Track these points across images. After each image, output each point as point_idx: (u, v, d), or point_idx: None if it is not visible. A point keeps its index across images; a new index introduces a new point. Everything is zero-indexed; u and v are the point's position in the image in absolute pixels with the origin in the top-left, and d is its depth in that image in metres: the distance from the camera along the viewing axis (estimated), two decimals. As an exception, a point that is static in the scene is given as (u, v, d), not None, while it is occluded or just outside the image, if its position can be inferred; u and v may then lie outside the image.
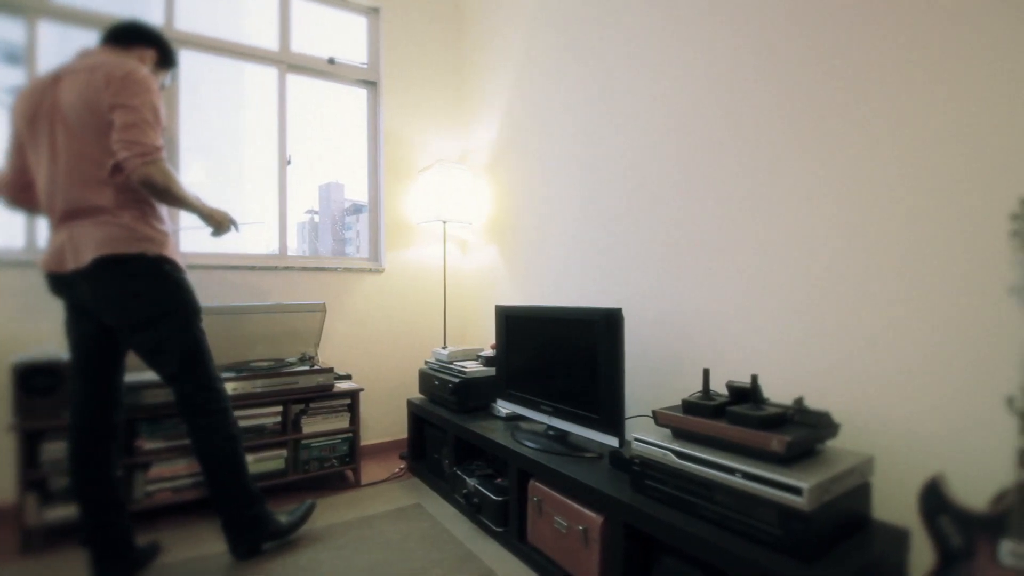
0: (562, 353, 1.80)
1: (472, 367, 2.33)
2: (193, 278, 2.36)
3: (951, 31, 1.15)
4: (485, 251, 2.96)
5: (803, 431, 1.18)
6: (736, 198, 1.61)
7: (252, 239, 2.70)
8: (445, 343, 2.90)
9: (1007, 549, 0.85)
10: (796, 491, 1.04)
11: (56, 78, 1.52)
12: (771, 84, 1.51)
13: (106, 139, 1.48)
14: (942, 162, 1.17)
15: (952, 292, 1.16)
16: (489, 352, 2.42)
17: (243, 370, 2.17)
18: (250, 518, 1.68)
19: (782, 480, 1.07)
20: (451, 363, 2.42)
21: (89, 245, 1.48)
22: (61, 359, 1.85)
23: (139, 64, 1.57)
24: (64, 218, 1.51)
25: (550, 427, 1.89)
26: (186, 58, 2.49)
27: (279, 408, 2.19)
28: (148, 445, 1.94)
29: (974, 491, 1.12)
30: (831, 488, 1.08)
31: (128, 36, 1.62)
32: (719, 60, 1.65)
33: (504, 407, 2.14)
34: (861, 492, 1.19)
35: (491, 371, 2.32)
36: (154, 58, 1.68)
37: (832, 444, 1.34)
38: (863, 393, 1.31)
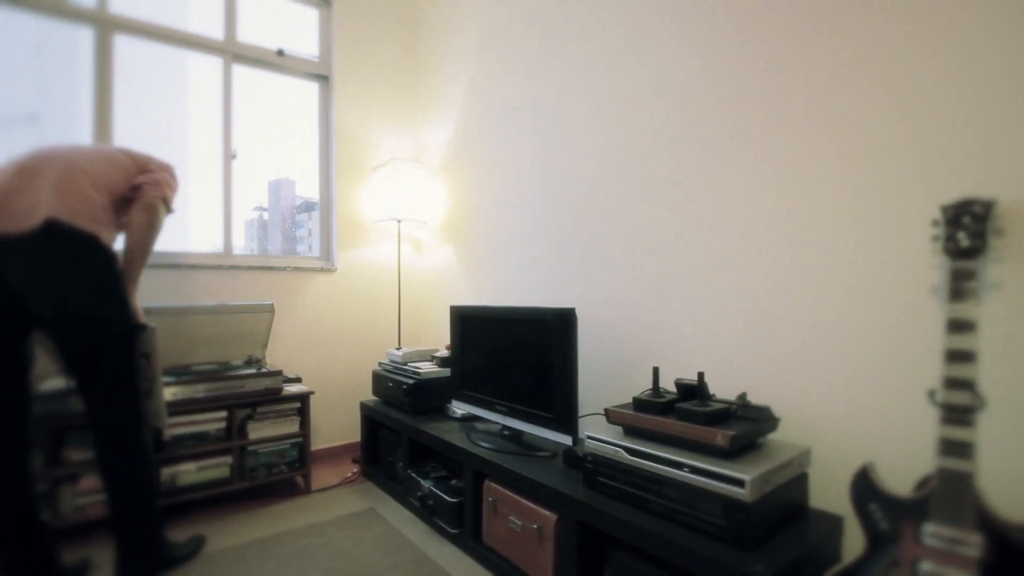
0: (517, 353, 1.81)
1: (427, 368, 2.30)
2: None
3: (886, 54, 1.23)
4: (440, 251, 2.93)
5: (746, 425, 1.23)
6: (685, 206, 1.66)
7: (195, 236, 2.58)
8: (399, 344, 2.86)
9: (928, 531, 0.91)
10: (739, 483, 1.08)
11: None
12: (720, 99, 1.56)
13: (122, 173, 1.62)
14: (872, 174, 1.25)
15: (881, 293, 1.23)
16: (444, 353, 2.40)
17: (184, 374, 2.07)
18: (150, 540, 1.58)
19: (726, 473, 1.11)
20: (405, 364, 2.38)
21: (45, 203, 1.40)
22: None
23: None
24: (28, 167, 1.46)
25: (505, 427, 1.89)
26: (122, 44, 2.34)
27: (223, 413, 2.09)
28: (77, 455, 1.81)
29: (901, 478, 1.19)
30: (771, 479, 1.13)
31: None
32: (673, 71, 1.70)
33: (459, 408, 2.13)
34: (799, 482, 1.25)
35: (446, 372, 2.30)
36: None
37: (773, 437, 1.40)
38: (801, 388, 1.38)
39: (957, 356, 0.92)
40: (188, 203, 2.56)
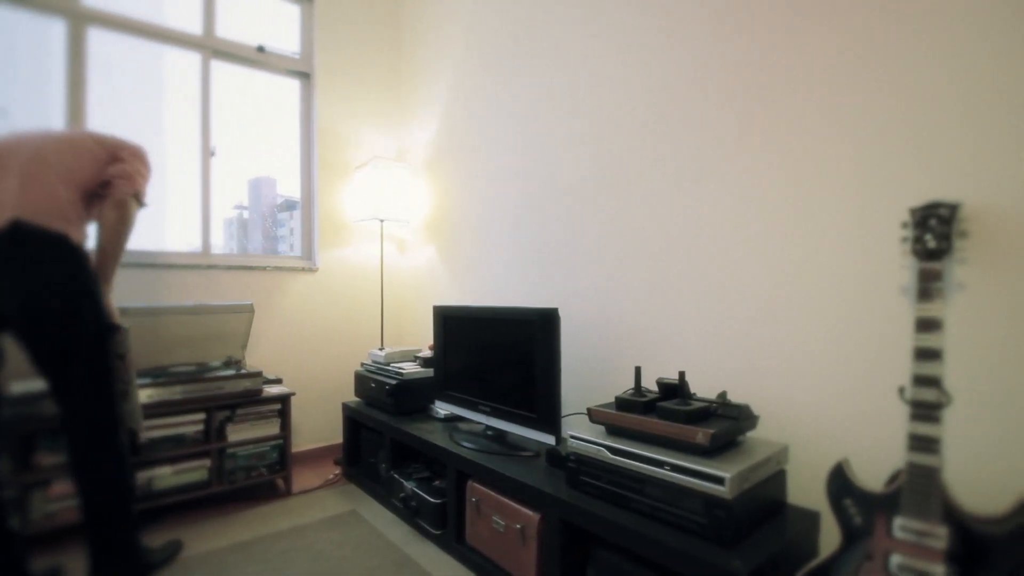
0: (500, 353, 1.81)
1: (410, 368, 2.29)
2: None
3: (860, 65, 1.26)
4: (423, 251, 2.92)
5: (726, 424, 1.25)
6: (667, 207, 1.68)
7: (173, 234, 2.53)
8: (382, 344, 2.84)
9: (898, 524, 0.94)
10: (719, 480, 1.10)
11: None
12: (702, 102, 1.59)
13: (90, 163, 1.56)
14: (848, 178, 1.28)
15: (856, 294, 1.27)
16: (427, 353, 2.40)
17: (161, 375, 2.03)
18: (124, 545, 1.54)
19: (706, 471, 1.13)
20: (388, 364, 2.37)
21: (11, 202, 1.36)
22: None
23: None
24: None
25: (488, 427, 1.90)
26: (97, 38, 2.29)
27: (202, 415, 2.06)
28: (48, 460, 1.77)
29: (875, 473, 1.23)
30: (750, 476, 1.15)
31: None
32: (655, 75, 1.72)
33: (442, 408, 2.13)
34: (777, 479, 1.28)
35: (429, 372, 2.30)
36: None
37: (752, 435, 1.43)
38: (779, 386, 1.41)
39: (925, 354, 0.96)
40: (165, 201, 2.51)
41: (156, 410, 1.95)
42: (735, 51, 1.50)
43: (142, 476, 1.92)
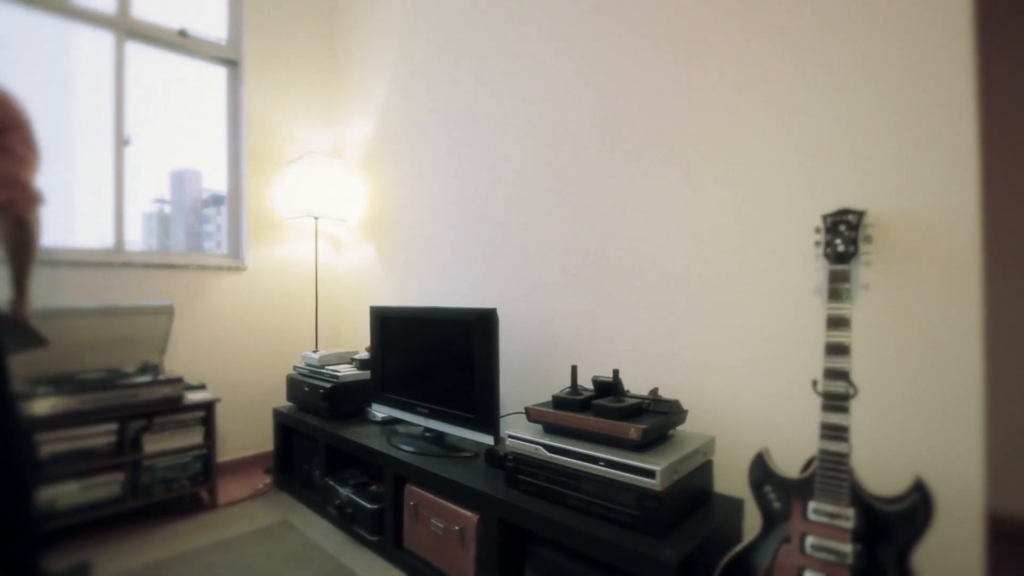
0: (438, 354, 1.79)
1: (345, 371, 2.22)
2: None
3: (777, 81, 1.35)
4: (360, 250, 2.84)
5: (657, 419, 1.29)
6: (601, 208, 1.72)
7: (82, 229, 2.32)
8: (316, 346, 2.74)
9: (812, 507, 1.01)
10: (650, 474, 1.14)
11: None
12: (639, 110, 1.64)
13: None
14: (767, 187, 1.36)
15: (774, 295, 1.35)
16: (364, 355, 2.33)
17: (66, 383, 1.85)
18: (25, 570, 1.39)
19: (637, 464, 1.16)
20: (323, 367, 2.29)
21: None
22: None
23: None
24: None
25: (427, 429, 1.87)
26: (-14, 11, 2.06)
27: (114, 426, 1.90)
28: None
29: (791, 461, 1.31)
30: (680, 468, 1.20)
31: None
32: (594, 78, 1.76)
33: (380, 411, 2.08)
34: (705, 469, 1.34)
35: (366, 374, 2.24)
36: None
37: (681, 428, 1.49)
38: (707, 381, 1.48)
39: (835, 350, 1.03)
40: (74, 193, 2.30)
41: (61, 421, 1.78)
42: (674, 64, 1.55)
43: (43, 494, 1.74)
